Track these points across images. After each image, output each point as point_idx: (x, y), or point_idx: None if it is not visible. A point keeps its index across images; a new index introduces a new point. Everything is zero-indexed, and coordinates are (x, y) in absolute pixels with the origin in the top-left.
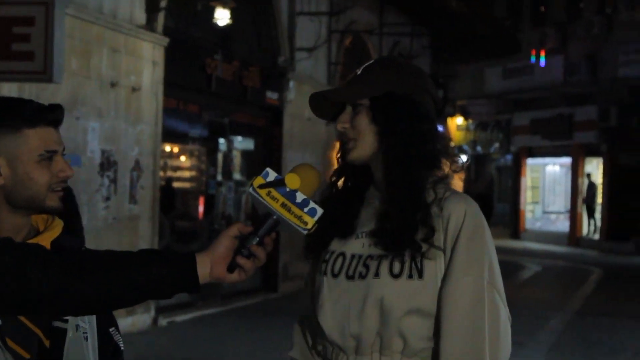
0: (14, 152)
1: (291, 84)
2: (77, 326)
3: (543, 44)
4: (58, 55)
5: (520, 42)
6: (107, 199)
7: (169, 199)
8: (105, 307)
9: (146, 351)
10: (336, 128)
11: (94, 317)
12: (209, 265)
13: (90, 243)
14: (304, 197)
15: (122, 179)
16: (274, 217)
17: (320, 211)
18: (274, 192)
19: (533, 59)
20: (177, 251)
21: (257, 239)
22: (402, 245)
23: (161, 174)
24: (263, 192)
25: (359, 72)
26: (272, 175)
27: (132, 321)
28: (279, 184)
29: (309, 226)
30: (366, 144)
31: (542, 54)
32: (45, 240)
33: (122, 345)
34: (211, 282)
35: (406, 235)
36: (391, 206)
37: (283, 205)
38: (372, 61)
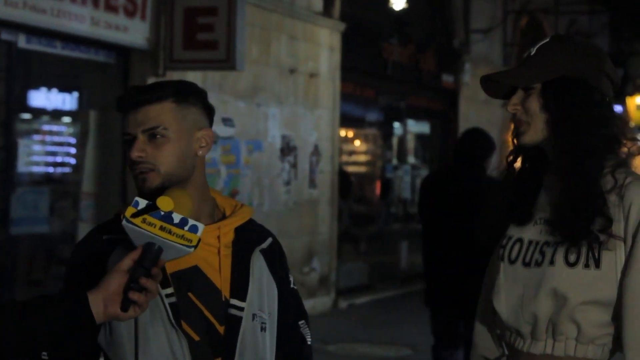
0: None
1: (467, 66)
2: (254, 315)
3: None
4: (240, 43)
5: None
6: (288, 183)
7: (346, 183)
8: None
9: (327, 333)
10: (507, 109)
11: (275, 308)
12: (101, 304)
13: (273, 226)
14: (181, 216)
15: (302, 164)
16: (156, 245)
17: (201, 227)
18: (150, 218)
19: None
20: (69, 293)
21: (145, 270)
22: (577, 235)
23: (338, 158)
24: (138, 220)
25: (533, 52)
26: (142, 203)
27: (313, 304)
28: (151, 209)
29: (194, 243)
30: (537, 129)
31: None
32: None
33: (309, 339)
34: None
35: (581, 226)
36: (565, 196)
37: (162, 228)
38: (547, 40)
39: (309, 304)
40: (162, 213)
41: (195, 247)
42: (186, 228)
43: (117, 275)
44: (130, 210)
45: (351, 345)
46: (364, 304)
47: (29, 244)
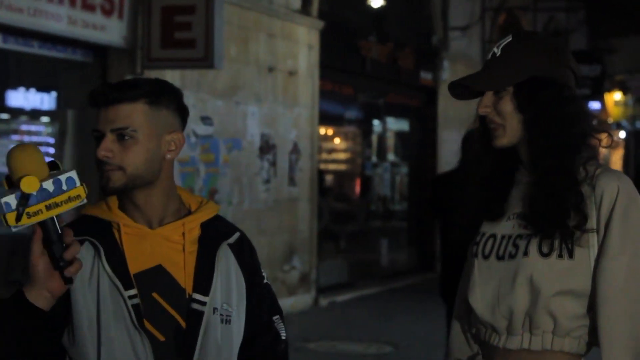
0: None
1: (445, 63)
2: (215, 309)
3: None
4: (218, 42)
5: None
6: (267, 181)
7: (326, 181)
8: None
9: (308, 330)
10: (477, 111)
11: (244, 302)
12: (44, 293)
13: (252, 224)
14: (50, 181)
15: (281, 162)
16: (50, 218)
17: (74, 173)
18: (31, 209)
19: None
20: (7, 301)
21: (61, 244)
22: (552, 228)
23: (318, 156)
24: (24, 220)
25: (497, 52)
26: (11, 200)
27: (293, 302)
28: (24, 199)
29: (84, 195)
30: (513, 130)
31: None
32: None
33: (284, 334)
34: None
35: (557, 220)
36: (540, 191)
37: (48, 207)
38: (509, 39)
39: (289, 302)
40: (35, 194)
41: (87, 197)
42: (65, 188)
43: (39, 262)
44: (11, 217)
45: (332, 342)
46: (344, 302)
47: (8, 244)
